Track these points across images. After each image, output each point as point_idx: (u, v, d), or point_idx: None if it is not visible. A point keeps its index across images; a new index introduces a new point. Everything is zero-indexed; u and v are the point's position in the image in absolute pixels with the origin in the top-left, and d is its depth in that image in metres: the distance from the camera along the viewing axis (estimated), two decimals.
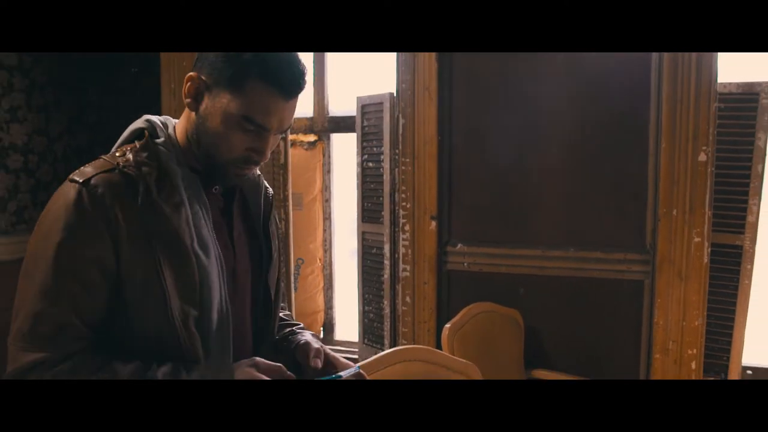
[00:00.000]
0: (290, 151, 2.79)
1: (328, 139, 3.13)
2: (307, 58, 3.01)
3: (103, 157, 1.00)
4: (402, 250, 2.56)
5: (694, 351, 2.25)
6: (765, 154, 2.29)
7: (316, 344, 1.13)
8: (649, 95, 2.26)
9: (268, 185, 1.21)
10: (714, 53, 2.19)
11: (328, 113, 3.05)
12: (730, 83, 2.32)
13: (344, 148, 3.10)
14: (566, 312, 2.39)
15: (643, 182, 2.29)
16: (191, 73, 0.99)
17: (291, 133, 2.88)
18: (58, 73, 2.89)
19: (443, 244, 2.52)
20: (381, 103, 2.65)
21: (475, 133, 2.47)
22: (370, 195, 2.75)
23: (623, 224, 2.32)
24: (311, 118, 3.06)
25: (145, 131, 1.02)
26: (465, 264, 2.49)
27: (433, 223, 2.50)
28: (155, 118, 1.06)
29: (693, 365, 2.26)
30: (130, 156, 0.98)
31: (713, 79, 2.20)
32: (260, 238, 1.16)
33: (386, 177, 2.65)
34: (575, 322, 2.38)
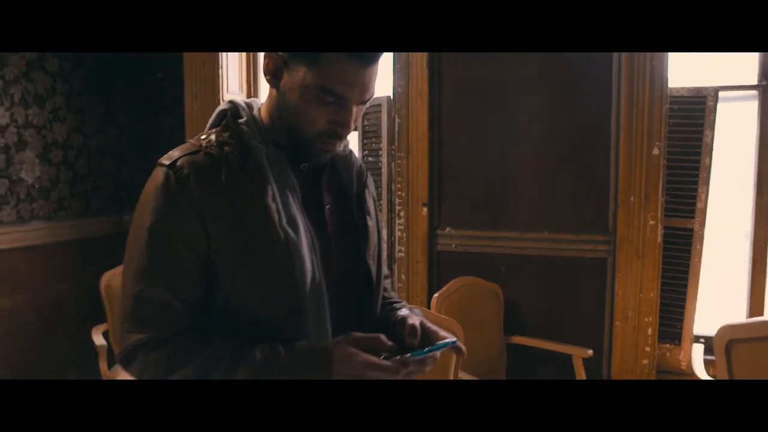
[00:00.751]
0: None
1: None
2: None
3: (189, 140, 1.01)
4: (398, 234, 2.91)
5: (650, 319, 2.60)
6: (711, 149, 2.64)
7: (412, 320, 1.05)
8: (610, 98, 2.62)
9: (361, 162, 1.17)
10: (665, 62, 2.55)
11: None
12: (681, 87, 2.67)
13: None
14: (541, 286, 2.74)
15: (605, 173, 2.64)
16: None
17: None
18: (92, 79, 3.25)
19: (434, 228, 2.87)
20: (380, 105, 3.00)
21: (461, 131, 2.82)
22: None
23: (589, 210, 2.68)
24: None
25: (228, 112, 1.03)
26: (453, 245, 2.84)
27: (425, 210, 2.85)
28: (239, 100, 1.05)
29: (649, 331, 2.61)
30: (212, 137, 0.99)
31: (664, 84, 2.56)
32: (354, 214, 1.10)
33: (384, 170, 3.00)
34: (548, 295, 2.73)
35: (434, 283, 2.84)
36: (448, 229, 2.85)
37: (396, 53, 2.92)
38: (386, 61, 3.01)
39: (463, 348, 1.02)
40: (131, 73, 3.39)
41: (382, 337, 0.93)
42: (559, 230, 2.70)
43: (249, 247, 0.93)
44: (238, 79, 3.34)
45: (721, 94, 2.65)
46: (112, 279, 2.86)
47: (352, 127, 0.98)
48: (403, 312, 1.13)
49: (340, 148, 1.06)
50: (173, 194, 0.92)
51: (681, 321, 2.71)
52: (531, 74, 2.70)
